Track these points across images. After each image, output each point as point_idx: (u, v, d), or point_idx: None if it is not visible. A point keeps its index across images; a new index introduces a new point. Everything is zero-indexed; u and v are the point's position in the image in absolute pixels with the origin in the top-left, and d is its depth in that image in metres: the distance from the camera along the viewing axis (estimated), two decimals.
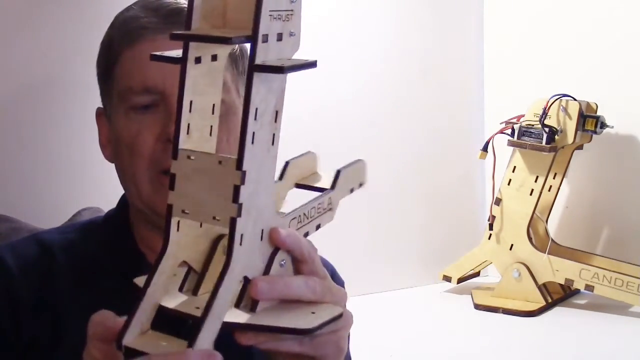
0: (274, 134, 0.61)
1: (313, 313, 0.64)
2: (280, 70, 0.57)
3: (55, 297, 0.88)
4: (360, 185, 0.78)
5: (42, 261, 0.90)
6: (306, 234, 0.71)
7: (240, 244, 0.60)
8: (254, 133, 0.58)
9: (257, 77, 0.58)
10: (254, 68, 0.57)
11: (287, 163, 0.75)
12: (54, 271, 0.90)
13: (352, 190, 0.77)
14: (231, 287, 0.60)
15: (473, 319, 1.54)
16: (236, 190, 0.58)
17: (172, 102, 0.84)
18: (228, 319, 0.61)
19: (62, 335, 0.87)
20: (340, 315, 0.66)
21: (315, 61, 0.60)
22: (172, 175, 0.61)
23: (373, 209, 1.70)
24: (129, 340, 0.60)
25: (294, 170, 0.76)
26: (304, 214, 0.70)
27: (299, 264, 0.66)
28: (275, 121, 0.61)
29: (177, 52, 0.61)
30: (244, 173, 0.58)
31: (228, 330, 0.61)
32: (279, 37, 0.58)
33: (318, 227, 0.72)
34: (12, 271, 0.89)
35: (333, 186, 0.74)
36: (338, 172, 0.74)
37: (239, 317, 0.62)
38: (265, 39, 0.57)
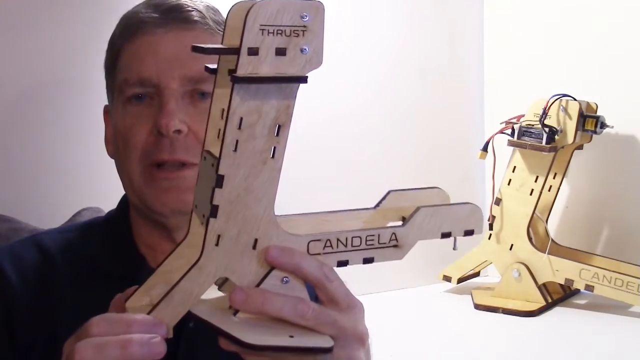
0: (274, 147, 0.62)
1: (291, 336, 0.63)
2: (251, 80, 0.59)
3: (54, 302, 0.88)
4: (467, 233, 0.75)
5: (40, 266, 0.90)
6: (344, 263, 0.67)
7: (217, 245, 0.62)
8: (237, 141, 0.60)
9: (240, 88, 0.59)
10: (234, 79, 0.59)
11: (388, 192, 0.73)
12: (53, 276, 0.90)
13: (447, 235, 0.74)
14: (199, 281, 0.63)
15: (473, 319, 1.54)
16: (212, 191, 0.61)
17: (166, 95, 0.85)
18: (207, 315, 0.64)
19: (59, 340, 0.86)
20: (322, 350, 0.63)
21: (304, 77, 0.60)
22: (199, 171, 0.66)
23: None
24: (129, 303, 0.66)
25: (393, 202, 0.73)
26: (338, 240, 0.67)
27: (314, 287, 0.66)
28: (278, 135, 0.62)
29: (216, 45, 0.63)
30: (220, 177, 0.61)
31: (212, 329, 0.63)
32: (280, 52, 0.59)
33: (369, 260, 0.69)
34: (10, 277, 0.89)
35: (404, 222, 0.71)
36: (417, 209, 0.71)
37: (215, 316, 0.64)
38: (254, 52, 0.58)
